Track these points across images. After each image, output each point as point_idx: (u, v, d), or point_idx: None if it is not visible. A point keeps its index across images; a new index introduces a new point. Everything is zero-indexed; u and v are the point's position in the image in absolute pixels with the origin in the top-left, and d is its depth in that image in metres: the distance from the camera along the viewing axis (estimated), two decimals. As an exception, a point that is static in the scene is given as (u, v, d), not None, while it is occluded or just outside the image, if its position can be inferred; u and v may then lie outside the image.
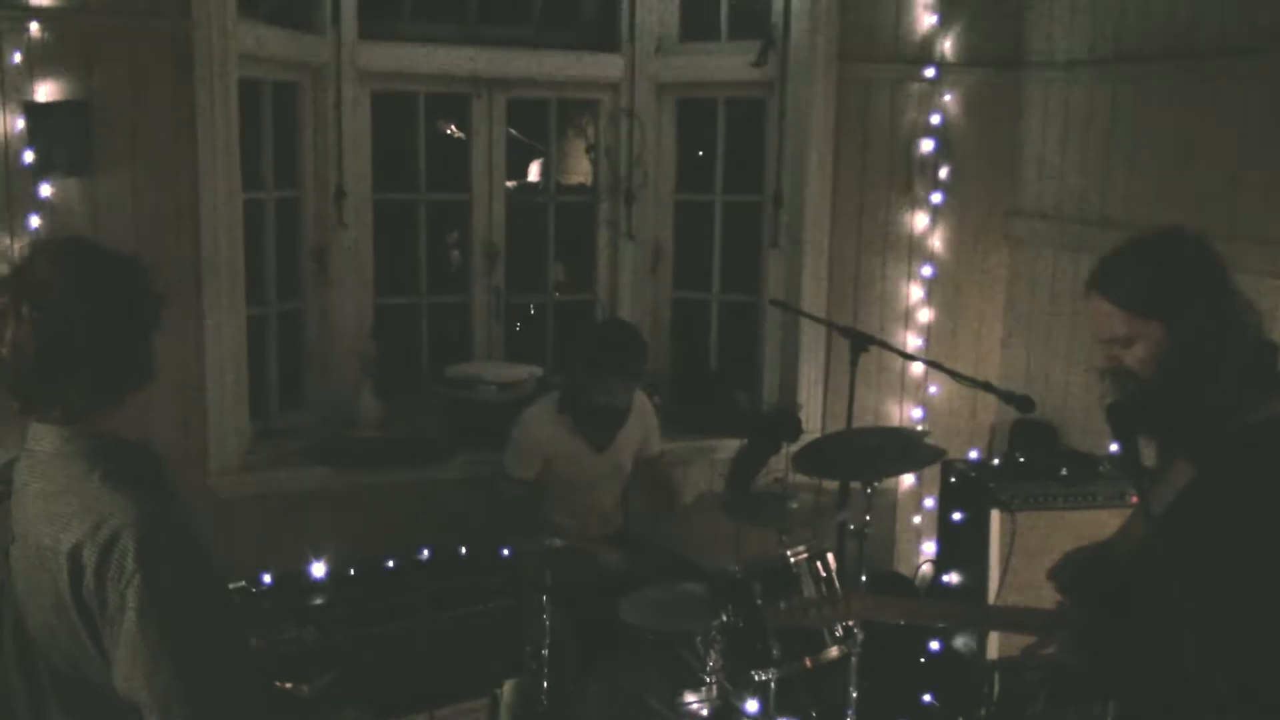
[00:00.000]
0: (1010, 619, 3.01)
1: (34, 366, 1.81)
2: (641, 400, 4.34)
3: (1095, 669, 2.24)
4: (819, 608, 2.56)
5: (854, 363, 3.93)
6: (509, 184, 5.07)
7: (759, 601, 3.31)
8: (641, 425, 4.33)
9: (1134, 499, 3.43)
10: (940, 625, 4.04)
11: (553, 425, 4.13)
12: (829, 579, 3.44)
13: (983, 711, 3.93)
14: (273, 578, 3.44)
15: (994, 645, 3.92)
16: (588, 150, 5.33)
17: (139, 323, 1.90)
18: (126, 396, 1.91)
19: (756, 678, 3.35)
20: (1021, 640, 2.53)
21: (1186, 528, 2.01)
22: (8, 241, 3.64)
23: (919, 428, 4.87)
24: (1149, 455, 2.12)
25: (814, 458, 4.08)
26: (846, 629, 3.29)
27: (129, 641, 1.75)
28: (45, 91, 3.69)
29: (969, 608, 3.62)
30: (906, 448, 4.01)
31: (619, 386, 4.02)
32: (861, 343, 3.93)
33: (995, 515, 3.97)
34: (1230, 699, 1.88)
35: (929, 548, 4.96)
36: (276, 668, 2.96)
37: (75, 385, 1.83)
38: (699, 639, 3.40)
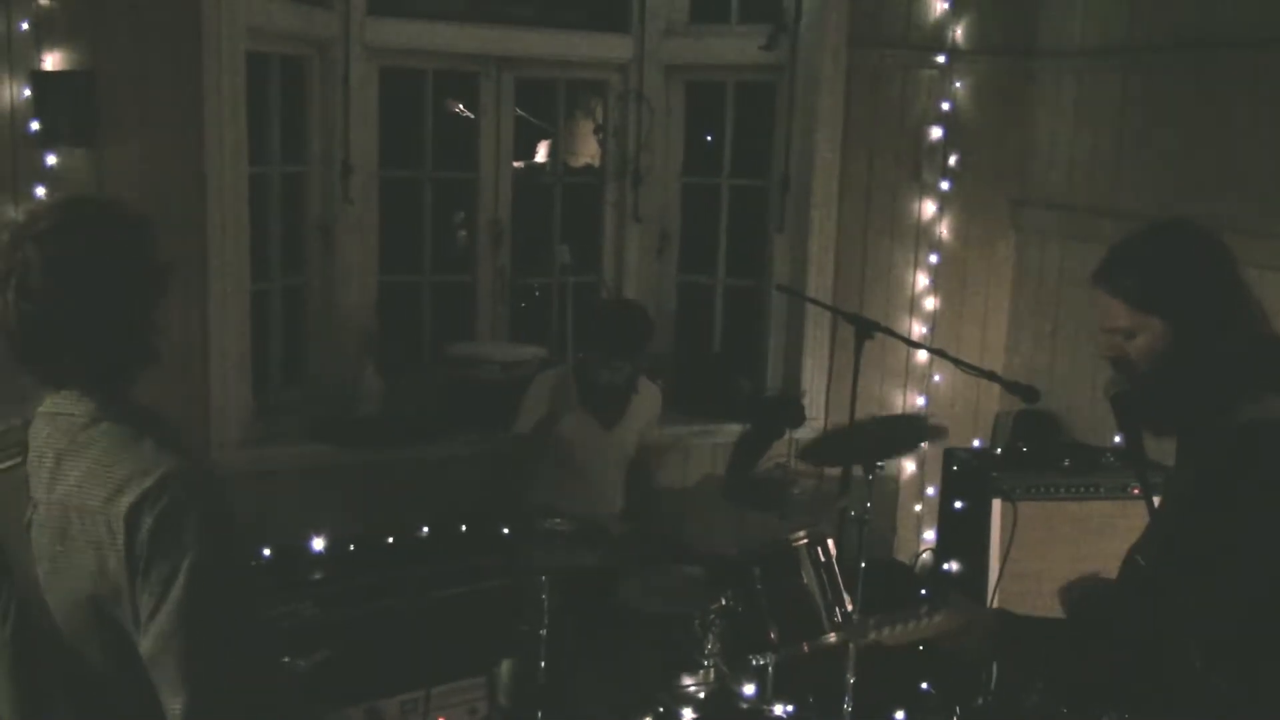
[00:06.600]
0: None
1: (49, 330, 1.77)
2: (649, 386, 4.34)
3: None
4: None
5: (858, 349, 3.91)
6: (516, 164, 5.06)
7: (759, 586, 3.31)
8: (649, 410, 4.32)
9: (1135, 491, 3.41)
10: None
11: (564, 386, 4.11)
12: (828, 564, 3.44)
13: (980, 701, 3.93)
14: (271, 552, 3.44)
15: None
16: (595, 132, 5.30)
17: (153, 283, 1.87)
18: (143, 367, 1.90)
19: (754, 662, 3.35)
20: None
21: (1183, 527, 2.00)
22: (12, 212, 3.63)
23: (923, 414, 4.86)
24: (1154, 448, 2.11)
25: (820, 450, 4.04)
26: (845, 615, 3.29)
27: (175, 608, 1.70)
28: (52, 61, 3.68)
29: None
30: (912, 434, 4.00)
31: (620, 363, 4.02)
32: (866, 329, 3.92)
33: (997, 504, 3.96)
34: (1232, 699, 1.87)
35: (929, 536, 4.95)
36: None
37: (100, 349, 1.81)
38: (697, 622, 3.39)
